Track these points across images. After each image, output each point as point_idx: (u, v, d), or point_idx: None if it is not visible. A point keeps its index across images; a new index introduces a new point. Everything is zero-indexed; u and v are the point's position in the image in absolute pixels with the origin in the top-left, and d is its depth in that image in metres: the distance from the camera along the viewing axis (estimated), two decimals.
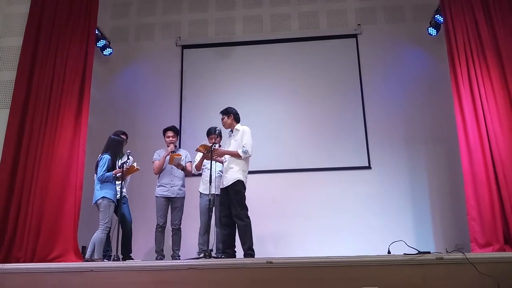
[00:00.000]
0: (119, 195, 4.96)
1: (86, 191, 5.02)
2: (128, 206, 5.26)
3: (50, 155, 4.86)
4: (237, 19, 7.17)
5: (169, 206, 5.29)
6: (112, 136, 5.10)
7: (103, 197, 4.79)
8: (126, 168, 4.93)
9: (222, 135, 5.32)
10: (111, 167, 4.91)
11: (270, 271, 3.83)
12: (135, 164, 5.07)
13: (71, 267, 4.11)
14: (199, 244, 5.27)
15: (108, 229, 4.77)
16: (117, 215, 4.96)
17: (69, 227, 4.68)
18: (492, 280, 3.60)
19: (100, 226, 4.74)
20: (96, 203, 4.85)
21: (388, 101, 6.56)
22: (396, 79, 6.64)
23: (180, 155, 5.28)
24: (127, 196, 5.30)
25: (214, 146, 4.87)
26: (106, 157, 4.91)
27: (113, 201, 4.84)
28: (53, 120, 5.00)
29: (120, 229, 4.83)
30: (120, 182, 5.02)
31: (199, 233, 5.27)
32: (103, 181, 4.84)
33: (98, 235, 4.71)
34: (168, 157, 5.26)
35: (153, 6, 7.36)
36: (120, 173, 4.91)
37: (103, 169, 4.84)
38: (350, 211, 6.10)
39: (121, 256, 5.00)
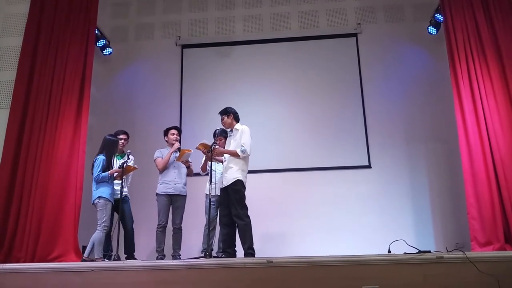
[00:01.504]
0: (120, 194, 4.95)
1: (86, 191, 5.03)
2: (129, 205, 5.26)
3: (50, 155, 4.87)
4: (237, 19, 7.17)
5: (171, 205, 5.29)
6: (107, 137, 5.11)
7: (99, 197, 4.82)
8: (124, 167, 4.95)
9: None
10: (106, 167, 4.93)
11: (271, 271, 3.83)
12: (131, 163, 5.08)
13: (72, 267, 4.11)
14: (202, 243, 5.29)
15: (106, 228, 4.78)
16: (118, 214, 4.97)
17: (69, 227, 4.69)
18: (493, 279, 3.60)
19: (98, 225, 4.77)
20: (93, 203, 4.88)
21: (388, 100, 6.56)
22: (396, 78, 6.64)
23: (191, 150, 5.25)
24: (128, 195, 5.30)
25: (215, 145, 4.87)
26: (101, 157, 4.93)
27: (110, 201, 4.86)
28: (53, 120, 5.01)
29: (122, 229, 4.85)
30: (119, 181, 5.03)
31: (203, 233, 5.29)
32: (98, 181, 4.86)
33: (96, 234, 4.73)
34: (173, 154, 5.26)
35: (153, 6, 7.36)
36: (117, 173, 4.94)
37: (98, 169, 4.87)
38: (351, 211, 6.10)
39: (125, 256, 5.04)
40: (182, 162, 5.25)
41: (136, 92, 6.98)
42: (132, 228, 5.19)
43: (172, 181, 5.25)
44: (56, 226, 4.66)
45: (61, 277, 3.99)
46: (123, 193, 5.08)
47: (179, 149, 5.33)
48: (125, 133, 5.40)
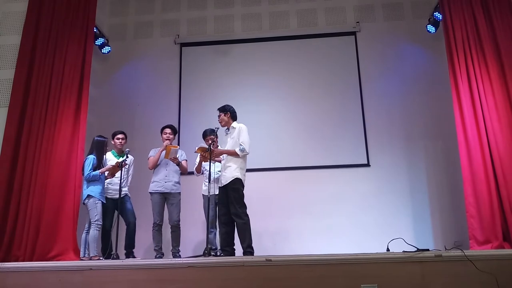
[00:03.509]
0: (119, 193, 4.97)
1: None
2: (131, 203, 5.29)
3: (49, 153, 4.87)
4: (236, 17, 7.16)
5: (165, 204, 5.30)
6: (96, 138, 5.17)
7: (88, 196, 4.87)
8: (124, 164, 4.98)
9: (218, 134, 5.31)
10: (97, 166, 4.98)
11: (269, 269, 3.84)
12: (119, 161, 5.14)
13: (71, 266, 4.12)
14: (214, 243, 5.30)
15: (99, 226, 4.83)
16: (119, 213, 5.03)
17: (68, 225, 4.69)
18: (491, 277, 3.61)
19: (92, 224, 4.81)
20: (83, 202, 4.92)
21: (387, 98, 6.56)
22: (395, 77, 6.64)
23: (177, 146, 5.31)
24: (129, 194, 5.33)
25: (212, 145, 4.87)
26: (91, 157, 4.99)
27: (99, 199, 4.89)
28: (52, 119, 5.00)
29: (119, 227, 4.89)
30: (116, 179, 5.08)
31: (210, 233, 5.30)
32: (89, 180, 4.91)
33: (91, 232, 4.79)
34: (163, 152, 5.27)
35: (152, 4, 7.35)
36: (107, 171, 4.99)
37: (89, 168, 4.91)
38: (349, 209, 6.11)
39: (124, 252, 5.11)
40: (170, 159, 5.25)
41: (134, 91, 6.97)
42: (134, 224, 5.22)
43: (163, 180, 5.27)
44: (55, 225, 4.66)
45: (60, 275, 3.99)
46: (124, 192, 5.13)
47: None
48: (123, 133, 5.43)
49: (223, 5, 7.23)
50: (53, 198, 4.72)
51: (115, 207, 5.14)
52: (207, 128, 5.35)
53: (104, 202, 4.96)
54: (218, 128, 5.24)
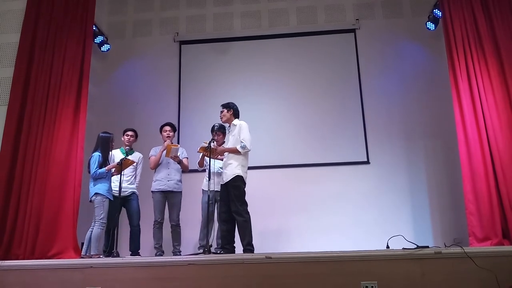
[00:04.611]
0: (119, 192, 4.96)
1: (84, 188, 5.03)
2: (137, 202, 5.29)
3: (48, 152, 4.87)
4: (235, 15, 7.15)
5: (166, 202, 5.31)
6: (101, 134, 5.13)
7: (96, 193, 4.84)
8: (127, 163, 4.99)
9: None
10: (103, 163, 4.95)
11: (269, 267, 3.85)
12: (129, 157, 5.11)
13: (71, 264, 4.13)
14: (199, 239, 5.30)
15: (104, 225, 4.81)
16: (126, 211, 5.07)
17: (68, 224, 4.70)
18: (490, 273, 3.63)
19: (96, 222, 4.80)
20: (90, 200, 4.91)
21: (387, 96, 6.55)
22: (395, 74, 6.63)
23: (178, 145, 5.31)
24: (136, 192, 5.33)
25: (213, 142, 4.87)
26: (96, 154, 4.96)
27: (107, 197, 4.88)
28: (51, 117, 5.00)
29: (119, 225, 4.90)
30: (117, 176, 5.08)
31: (200, 229, 5.30)
32: (96, 177, 4.88)
33: (94, 230, 4.77)
34: (164, 152, 5.27)
35: (151, 2, 7.33)
36: (113, 168, 4.98)
37: (95, 166, 4.89)
38: (349, 206, 6.11)
39: (130, 253, 5.11)
40: (171, 158, 5.25)
41: (134, 89, 6.96)
42: (138, 225, 5.22)
43: (165, 178, 5.27)
44: (55, 223, 4.67)
45: (60, 273, 4.00)
46: (131, 190, 5.13)
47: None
48: (133, 130, 5.46)
49: (222, 2, 7.21)
50: (53, 196, 4.73)
51: (121, 205, 5.13)
52: (215, 124, 5.31)
53: (112, 199, 4.95)
54: (217, 125, 5.24)
